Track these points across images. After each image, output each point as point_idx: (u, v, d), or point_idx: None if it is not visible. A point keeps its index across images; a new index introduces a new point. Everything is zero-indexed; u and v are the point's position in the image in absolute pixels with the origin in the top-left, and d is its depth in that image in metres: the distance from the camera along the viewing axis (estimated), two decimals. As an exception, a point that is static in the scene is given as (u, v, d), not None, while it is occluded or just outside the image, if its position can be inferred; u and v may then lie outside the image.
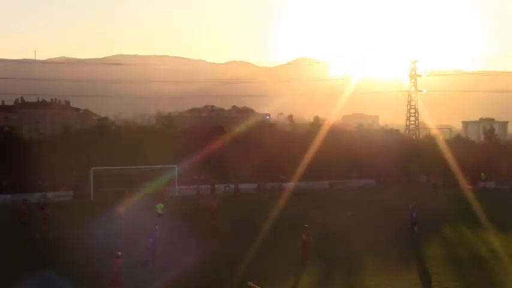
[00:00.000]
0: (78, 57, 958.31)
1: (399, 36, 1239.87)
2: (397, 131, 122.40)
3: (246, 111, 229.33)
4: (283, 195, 68.58)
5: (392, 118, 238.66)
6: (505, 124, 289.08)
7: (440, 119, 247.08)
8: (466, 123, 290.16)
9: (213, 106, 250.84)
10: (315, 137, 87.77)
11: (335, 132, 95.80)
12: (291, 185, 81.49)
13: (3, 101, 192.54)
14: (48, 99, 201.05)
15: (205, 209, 58.15)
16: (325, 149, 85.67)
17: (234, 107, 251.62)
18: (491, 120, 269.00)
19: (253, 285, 26.12)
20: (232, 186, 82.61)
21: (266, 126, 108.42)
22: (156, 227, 39.59)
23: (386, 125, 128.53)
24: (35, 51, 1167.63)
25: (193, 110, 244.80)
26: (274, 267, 36.50)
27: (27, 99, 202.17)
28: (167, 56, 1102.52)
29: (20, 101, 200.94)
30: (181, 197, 75.66)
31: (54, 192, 75.00)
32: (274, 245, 43.15)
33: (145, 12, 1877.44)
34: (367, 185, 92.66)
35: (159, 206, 55.43)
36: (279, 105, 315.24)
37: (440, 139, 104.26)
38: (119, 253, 29.89)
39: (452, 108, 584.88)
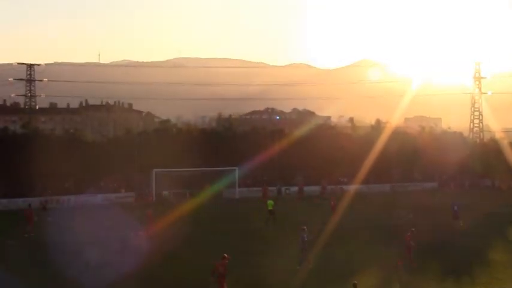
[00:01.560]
0: (141, 60, 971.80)
1: (463, 37, 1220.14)
2: (460, 133, 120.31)
3: (307, 114, 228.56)
4: (346, 198, 68.23)
5: (456, 121, 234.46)
6: None
7: (506, 122, 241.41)
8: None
9: (273, 108, 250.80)
10: (376, 139, 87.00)
11: (397, 135, 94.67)
12: (352, 188, 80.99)
13: (68, 104, 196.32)
14: (112, 102, 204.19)
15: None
16: (386, 152, 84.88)
17: (294, 109, 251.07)
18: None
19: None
20: (292, 188, 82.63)
21: (327, 129, 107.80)
22: (305, 227, 39.14)
23: (449, 128, 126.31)
24: (99, 55, 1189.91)
25: (254, 112, 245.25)
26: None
27: (91, 102, 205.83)
28: (228, 58, 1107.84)
29: (84, 103, 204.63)
30: (241, 199, 75.85)
31: (116, 193, 75.98)
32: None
33: (206, 15, 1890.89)
34: (430, 188, 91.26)
35: (270, 203, 57.42)
36: (339, 108, 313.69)
37: (505, 142, 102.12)
38: (226, 255, 30.54)
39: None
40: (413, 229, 39.02)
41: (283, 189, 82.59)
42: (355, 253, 41.20)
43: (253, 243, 45.48)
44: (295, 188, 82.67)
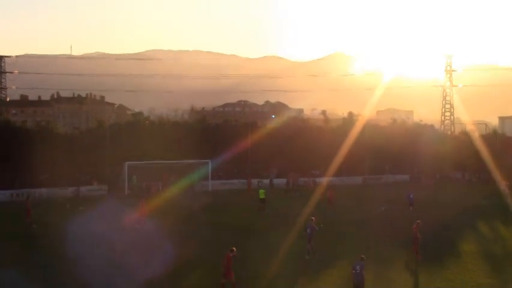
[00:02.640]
0: (113, 52, 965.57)
1: (435, 30, 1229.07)
2: (431, 126, 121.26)
3: (279, 106, 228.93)
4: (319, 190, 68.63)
5: (427, 113, 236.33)
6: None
7: (476, 114, 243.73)
8: (502, 119, 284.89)
9: (246, 101, 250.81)
10: (348, 132, 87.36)
11: (369, 128, 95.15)
12: (324, 180, 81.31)
13: (39, 96, 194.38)
14: (83, 94, 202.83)
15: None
16: (358, 145, 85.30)
17: (267, 102, 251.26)
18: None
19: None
20: (265, 181, 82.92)
21: (299, 122, 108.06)
22: (313, 218, 40.15)
23: (420, 120, 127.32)
24: (71, 47, 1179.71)
25: (226, 105, 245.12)
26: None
27: (63, 94, 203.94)
28: (200, 51, 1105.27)
29: (55, 96, 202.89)
30: (213, 192, 75.81)
31: (88, 186, 75.55)
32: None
33: (178, 8, 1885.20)
34: (401, 180, 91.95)
35: (261, 192, 59.26)
36: (312, 101, 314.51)
37: (476, 135, 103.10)
38: (233, 248, 30.72)
39: (488, 103, 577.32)
40: (418, 221, 39.23)
41: (255, 181, 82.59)
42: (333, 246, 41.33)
43: (228, 234, 45.42)
44: (267, 181, 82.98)
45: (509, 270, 35.79)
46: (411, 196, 60.04)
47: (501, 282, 33.02)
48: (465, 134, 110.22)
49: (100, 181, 77.24)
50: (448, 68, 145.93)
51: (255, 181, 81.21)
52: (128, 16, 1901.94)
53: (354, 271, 29.35)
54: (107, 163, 78.50)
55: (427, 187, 77.47)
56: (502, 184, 78.67)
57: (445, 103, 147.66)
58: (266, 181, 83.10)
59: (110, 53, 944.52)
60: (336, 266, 35.98)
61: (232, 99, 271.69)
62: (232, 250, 30.49)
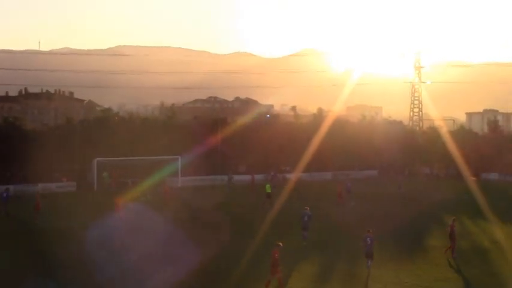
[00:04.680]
0: (82, 48, 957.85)
1: (404, 27, 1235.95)
2: (400, 122, 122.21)
3: (250, 103, 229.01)
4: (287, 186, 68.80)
5: (396, 110, 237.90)
6: (508, 115, 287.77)
7: (444, 110, 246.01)
8: (469, 115, 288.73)
9: (216, 97, 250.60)
10: (318, 128, 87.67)
11: (338, 124, 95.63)
12: (294, 176, 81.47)
13: (6, 92, 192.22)
14: (52, 90, 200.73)
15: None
16: (328, 141, 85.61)
17: (237, 98, 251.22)
18: (495, 111, 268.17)
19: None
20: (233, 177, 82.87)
21: (269, 118, 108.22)
22: (307, 208, 41.98)
23: (389, 117, 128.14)
24: (39, 42, 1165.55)
25: (197, 101, 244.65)
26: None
27: (31, 90, 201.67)
28: (170, 47, 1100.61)
29: (23, 91, 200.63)
30: (184, 189, 75.52)
31: (57, 183, 74.96)
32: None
33: (147, 3, 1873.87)
34: (370, 176, 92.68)
35: (268, 187, 59.98)
36: (282, 97, 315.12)
37: (444, 130, 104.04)
38: (279, 243, 29.98)
39: (456, 99, 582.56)
40: (454, 218, 39.51)
41: (227, 177, 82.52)
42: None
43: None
44: (239, 177, 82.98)
45: (476, 264, 36.23)
46: (349, 184, 64.98)
47: (468, 277, 33.40)
48: (433, 130, 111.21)
49: (69, 178, 76.74)
50: (417, 64, 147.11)
51: (224, 177, 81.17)
52: (97, 11, 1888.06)
53: (364, 243, 33.92)
54: (76, 160, 78.00)
55: (396, 182, 78.03)
56: (470, 179, 79.61)
57: (414, 99, 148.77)
58: (237, 177, 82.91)
59: (79, 48, 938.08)
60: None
61: (203, 95, 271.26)
62: (278, 245, 29.66)
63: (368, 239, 33.81)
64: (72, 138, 78.19)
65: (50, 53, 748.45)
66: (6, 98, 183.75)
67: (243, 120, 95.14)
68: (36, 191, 64.65)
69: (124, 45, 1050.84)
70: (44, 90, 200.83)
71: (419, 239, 43.57)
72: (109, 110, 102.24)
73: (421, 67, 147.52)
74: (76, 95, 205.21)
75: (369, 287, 30.99)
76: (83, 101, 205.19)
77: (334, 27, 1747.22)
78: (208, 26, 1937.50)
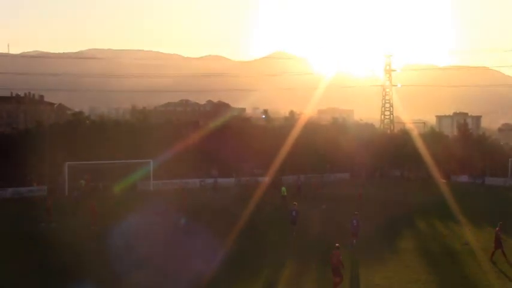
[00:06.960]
0: (52, 51, 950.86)
1: (374, 31, 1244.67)
2: (371, 125, 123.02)
3: (221, 106, 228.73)
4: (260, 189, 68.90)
5: (367, 113, 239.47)
6: (478, 118, 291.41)
7: (415, 113, 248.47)
8: (439, 117, 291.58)
9: (187, 100, 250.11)
10: (290, 131, 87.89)
11: (310, 127, 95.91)
12: (266, 180, 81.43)
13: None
14: (22, 94, 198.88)
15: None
16: (300, 143, 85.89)
17: (209, 101, 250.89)
18: (465, 114, 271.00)
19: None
20: (208, 180, 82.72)
21: (241, 121, 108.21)
22: (295, 203, 44.80)
23: (361, 119, 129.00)
24: (8, 45, 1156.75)
25: (168, 104, 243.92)
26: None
27: (0, 93, 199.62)
28: (141, 50, 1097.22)
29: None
30: (156, 192, 75.23)
31: (27, 187, 74.18)
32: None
33: (118, 7, 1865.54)
34: (342, 178, 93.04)
35: (283, 189, 61.93)
36: (254, 100, 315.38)
37: (415, 133, 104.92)
38: (338, 245, 30.48)
39: (426, 102, 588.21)
40: (501, 222, 39.43)
41: (199, 181, 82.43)
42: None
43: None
44: (211, 180, 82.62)
45: (447, 266, 36.53)
46: (300, 183, 73.73)
47: (439, 279, 33.65)
48: (404, 133, 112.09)
49: (40, 182, 75.97)
50: (388, 67, 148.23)
51: (197, 181, 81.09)
52: (68, 14, 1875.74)
53: (351, 224, 40.50)
54: (47, 164, 77.27)
55: (366, 185, 78.44)
56: (440, 181, 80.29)
57: (385, 102, 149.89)
58: (210, 180, 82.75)
59: (49, 51, 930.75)
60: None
61: (174, 98, 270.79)
62: (338, 247, 30.12)
63: (354, 220, 40.25)
64: (43, 142, 77.43)
65: (20, 56, 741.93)
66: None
67: (216, 123, 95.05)
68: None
69: (95, 49, 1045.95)
70: (14, 94, 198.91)
71: (391, 241, 43.78)
72: (80, 113, 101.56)
73: (392, 70, 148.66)
74: (46, 99, 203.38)
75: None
76: (53, 104, 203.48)
77: (305, 30, 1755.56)
78: (180, 29, 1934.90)
